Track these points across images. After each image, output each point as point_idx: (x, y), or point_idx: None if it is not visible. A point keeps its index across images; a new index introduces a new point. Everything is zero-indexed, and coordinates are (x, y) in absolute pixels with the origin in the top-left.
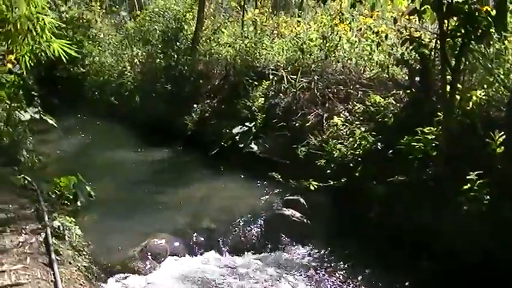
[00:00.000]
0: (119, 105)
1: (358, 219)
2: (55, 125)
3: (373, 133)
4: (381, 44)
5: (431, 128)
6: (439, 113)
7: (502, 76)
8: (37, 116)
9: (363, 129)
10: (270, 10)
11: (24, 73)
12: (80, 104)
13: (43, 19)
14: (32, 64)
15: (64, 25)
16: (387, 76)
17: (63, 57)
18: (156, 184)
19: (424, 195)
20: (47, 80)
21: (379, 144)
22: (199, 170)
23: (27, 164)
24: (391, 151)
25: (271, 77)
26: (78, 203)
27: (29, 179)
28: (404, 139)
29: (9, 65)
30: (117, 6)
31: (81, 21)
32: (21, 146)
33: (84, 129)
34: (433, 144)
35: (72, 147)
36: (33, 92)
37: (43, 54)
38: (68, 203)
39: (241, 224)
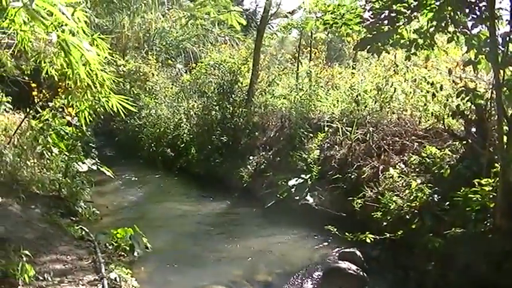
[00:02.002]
0: (175, 157)
1: (416, 272)
2: (112, 176)
3: (429, 185)
4: (436, 94)
5: (489, 180)
6: (496, 164)
7: None
8: (94, 168)
9: (419, 181)
10: (324, 61)
11: (84, 126)
12: (136, 156)
13: (102, 75)
14: (91, 119)
15: (121, 79)
16: (443, 127)
17: (121, 112)
18: (212, 236)
19: (483, 248)
20: (104, 131)
21: (435, 196)
22: (255, 223)
23: (85, 215)
24: (447, 203)
25: (326, 128)
26: (135, 255)
27: (87, 230)
28: (461, 191)
29: (68, 118)
30: (173, 59)
31: (138, 74)
32: (79, 197)
33: (140, 180)
34: (491, 196)
35: (129, 199)
36: (90, 144)
37: (102, 109)
38: (125, 255)
39: (297, 277)
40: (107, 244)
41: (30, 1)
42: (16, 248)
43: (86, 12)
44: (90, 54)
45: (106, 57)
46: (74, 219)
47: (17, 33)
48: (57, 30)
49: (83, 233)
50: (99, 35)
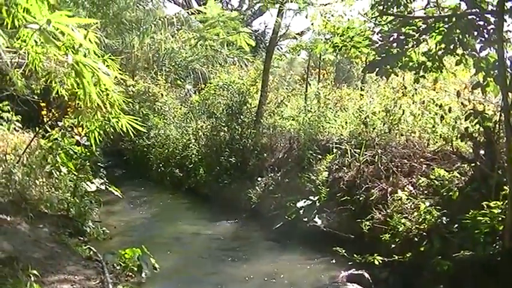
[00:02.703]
0: (184, 178)
1: None
2: (120, 196)
3: (438, 207)
4: (445, 116)
5: (497, 202)
6: (505, 187)
7: None
8: (103, 187)
9: (427, 203)
10: (333, 83)
11: (93, 146)
12: (144, 176)
13: (112, 96)
14: (101, 139)
15: (130, 99)
16: (451, 149)
17: (130, 132)
18: (220, 257)
19: (492, 270)
20: (112, 151)
21: (444, 218)
22: (263, 244)
23: (93, 235)
24: (456, 225)
25: (334, 150)
26: (143, 275)
27: (95, 250)
28: (470, 213)
29: (77, 137)
30: (182, 80)
31: (147, 95)
32: (87, 216)
33: (149, 200)
34: (500, 219)
35: (137, 219)
36: (99, 163)
37: (112, 129)
38: (133, 275)
39: None
40: (115, 264)
41: (47, 23)
42: (24, 267)
43: (96, 32)
44: (104, 76)
45: (116, 78)
46: (82, 238)
47: (28, 53)
48: (71, 52)
49: (91, 252)
50: (110, 55)
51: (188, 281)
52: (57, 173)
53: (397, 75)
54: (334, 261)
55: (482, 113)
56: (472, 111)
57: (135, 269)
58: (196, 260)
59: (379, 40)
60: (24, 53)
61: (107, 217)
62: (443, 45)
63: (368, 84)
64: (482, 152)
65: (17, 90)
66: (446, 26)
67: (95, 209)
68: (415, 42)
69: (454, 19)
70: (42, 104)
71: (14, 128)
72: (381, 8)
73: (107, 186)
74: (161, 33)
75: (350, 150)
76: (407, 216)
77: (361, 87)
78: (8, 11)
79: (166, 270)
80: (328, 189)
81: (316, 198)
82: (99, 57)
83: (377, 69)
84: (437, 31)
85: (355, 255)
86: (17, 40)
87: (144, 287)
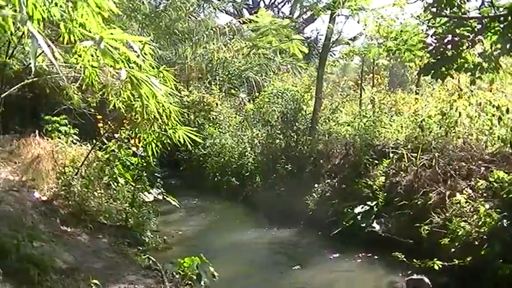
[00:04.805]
0: (240, 186)
1: None
2: (177, 205)
3: (497, 210)
4: (502, 118)
5: None
6: None
7: None
8: (160, 197)
9: (487, 206)
10: (387, 87)
11: (150, 157)
12: (201, 185)
13: (169, 107)
14: (158, 150)
15: (185, 109)
16: (510, 151)
17: (187, 143)
18: (278, 265)
19: None
20: (169, 161)
21: (504, 221)
22: (321, 251)
23: (152, 245)
24: None
25: (391, 155)
26: (202, 284)
27: (154, 260)
28: None
29: (134, 148)
30: (236, 89)
31: (201, 104)
32: (145, 226)
33: (206, 209)
34: None
35: (194, 228)
36: (156, 174)
37: (169, 140)
38: (192, 284)
39: None
40: (174, 273)
41: (99, 41)
42: (85, 278)
43: (150, 44)
44: (158, 91)
45: (171, 88)
46: (140, 248)
47: (85, 68)
48: (125, 66)
49: (150, 262)
50: (164, 67)
51: None
52: (115, 184)
53: (453, 78)
54: (392, 266)
55: None
56: None
57: (194, 277)
58: (254, 268)
59: (434, 42)
60: (80, 67)
61: (164, 227)
62: (499, 46)
63: (423, 87)
64: None
65: (73, 104)
66: (502, 25)
67: (152, 219)
68: (470, 43)
69: (510, 18)
70: (99, 117)
71: (72, 141)
72: (434, 9)
73: (164, 196)
74: (214, 43)
75: (406, 155)
76: (466, 219)
77: (415, 91)
78: (65, 26)
79: (225, 279)
80: (385, 194)
81: (374, 203)
82: (154, 69)
83: (432, 71)
84: (492, 31)
85: (414, 260)
86: (73, 55)
87: None
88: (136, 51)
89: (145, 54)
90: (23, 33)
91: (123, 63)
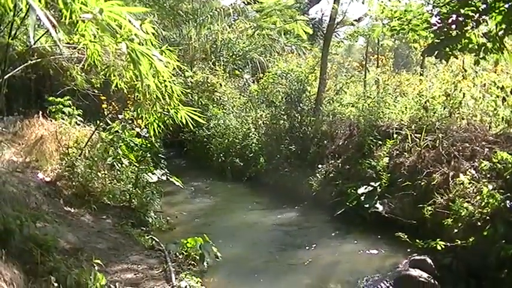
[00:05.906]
0: (244, 167)
1: (488, 279)
2: (181, 186)
3: (501, 191)
4: (507, 99)
5: None
6: None
7: None
8: (164, 178)
9: (490, 187)
10: (392, 68)
11: (153, 138)
12: (205, 166)
13: (171, 87)
14: (160, 130)
15: (189, 90)
16: None
17: (189, 123)
18: (282, 245)
19: None
20: (173, 142)
21: (507, 202)
22: (325, 231)
23: (156, 225)
24: None
25: (395, 136)
26: (205, 264)
27: (157, 240)
28: None
29: (137, 129)
30: (240, 70)
31: (205, 85)
32: (149, 207)
33: (209, 190)
34: None
35: (198, 209)
36: (160, 155)
37: (171, 120)
38: (195, 264)
39: (368, 285)
40: (177, 253)
41: (100, 12)
42: (89, 258)
43: (154, 25)
44: (159, 64)
45: (174, 69)
46: (144, 229)
47: (87, 48)
48: (126, 41)
49: (154, 242)
50: (167, 47)
51: (250, 268)
52: (119, 165)
53: (457, 58)
54: (396, 247)
55: None
56: None
57: (198, 257)
58: (258, 248)
59: (438, 22)
60: (83, 47)
61: (168, 207)
62: (503, 26)
63: (427, 68)
64: None
65: (77, 85)
66: (507, 5)
67: (156, 200)
68: (474, 24)
69: None
70: (102, 98)
71: (76, 122)
72: None
73: (168, 177)
74: (218, 24)
75: (410, 135)
76: (469, 200)
77: (420, 72)
78: (65, 5)
79: (228, 259)
80: (389, 175)
81: (377, 184)
82: (156, 48)
83: (436, 52)
84: (497, 11)
85: (417, 241)
86: (76, 35)
87: (206, 275)
88: (136, 26)
89: (146, 31)
90: (26, 13)
91: (123, 39)
